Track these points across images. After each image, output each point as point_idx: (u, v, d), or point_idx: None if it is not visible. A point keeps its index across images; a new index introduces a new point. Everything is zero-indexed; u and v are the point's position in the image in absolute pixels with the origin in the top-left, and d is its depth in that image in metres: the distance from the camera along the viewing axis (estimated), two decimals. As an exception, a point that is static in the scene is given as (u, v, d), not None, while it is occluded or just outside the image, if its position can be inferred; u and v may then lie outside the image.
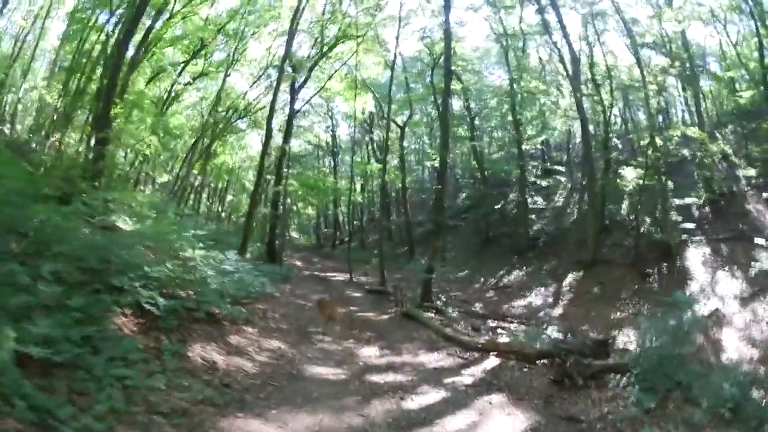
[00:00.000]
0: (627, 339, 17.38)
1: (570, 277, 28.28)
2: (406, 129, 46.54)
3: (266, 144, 31.61)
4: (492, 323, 21.89)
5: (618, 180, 29.19)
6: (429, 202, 49.83)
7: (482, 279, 33.42)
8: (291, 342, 14.48)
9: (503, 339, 17.98)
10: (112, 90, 21.20)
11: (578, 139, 44.54)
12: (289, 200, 61.87)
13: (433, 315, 21.38)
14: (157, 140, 32.01)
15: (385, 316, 21.57)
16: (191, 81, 38.57)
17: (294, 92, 37.69)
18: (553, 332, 17.40)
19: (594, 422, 9.71)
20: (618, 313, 22.11)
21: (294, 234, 62.73)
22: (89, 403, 6.80)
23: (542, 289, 28.28)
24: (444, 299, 25.22)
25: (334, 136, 56.35)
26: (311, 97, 40.04)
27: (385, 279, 29.32)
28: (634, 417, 9.58)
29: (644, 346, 12.55)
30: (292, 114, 38.05)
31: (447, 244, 39.22)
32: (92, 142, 23.09)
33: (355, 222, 56.51)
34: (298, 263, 41.03)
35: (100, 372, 7.62)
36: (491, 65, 48.61)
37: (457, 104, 43.74)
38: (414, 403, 10.38)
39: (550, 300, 26.56)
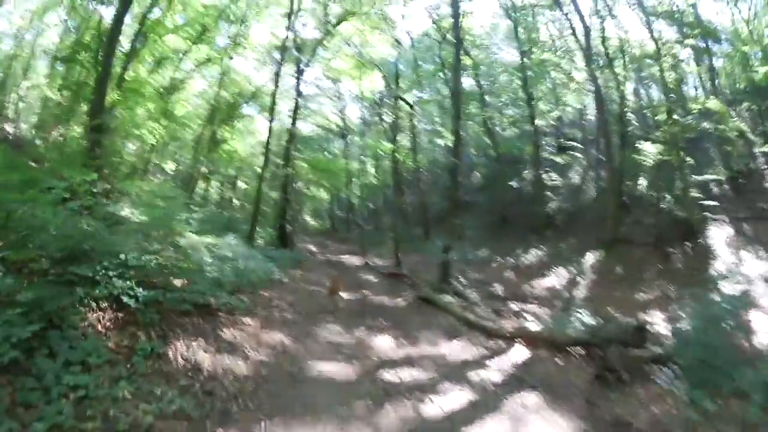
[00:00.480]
0: (656, 323, 16.27)
1: (590, 257, 26.67)
2: (417, 108, 44.65)
3: (271, 126, 29.76)
4: (514, 305, 20.34)
5: (635, 155, 27.30)
6: (442, 182, 47.97)
7: (499, 259, 31.52)
8: (295, 334, 12.73)
9: (529, 324, 16.57)
10: (105, 78, 20.02)
11: (592, 116, 42.16)
12: (301, 184, 61.16)
13: (451, 298, 19.65)
14: (162, 128, 30.81)
15: (401, 301, 19.87)
16: (195, 68, 36.84)
17: (300, 73, 35.83)
18: (583, 317, 15.59)
19: (646, 427, 8.12)
20: (643, 295, 21.01)
21: (308, 218, 61.12)
22: (32, 417, 5.78)
23: (563, 269, 26.83)
24: (463, 281, 23.39)
25: (343, 119, 53.97)
26: (317, 78, 38.07)
27: (400, 261, 27.76)
28: (690, 419, 8.14)
29: (683, 333, 11.40)
30: (299, 95, 36.27)
31: (462, 223, 37.50)
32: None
33: (369, 205, 55.01)
34: (312, 247, 39.20)
35: (51, 379, 6.56)
36: (501, 41, 46.10)
37: (467, 82, 41.60)
38: (435, 406, 8.73)
39: (572, 281, 24.99)
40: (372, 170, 53.04)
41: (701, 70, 35.53)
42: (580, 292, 23.03)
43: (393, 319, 16.17)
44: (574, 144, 38.60)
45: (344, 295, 18.68)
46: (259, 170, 36.62)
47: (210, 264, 13.32)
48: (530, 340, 13.34)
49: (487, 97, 42.51)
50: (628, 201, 29.41)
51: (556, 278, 25.96)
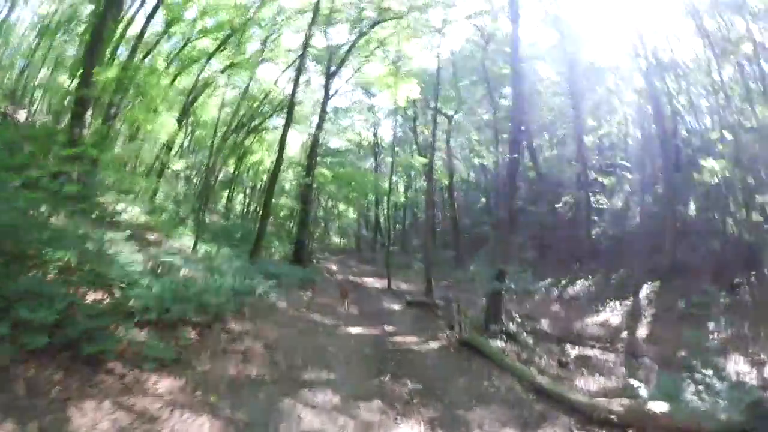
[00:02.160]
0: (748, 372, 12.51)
1: (646, 289, 21.13)
2: (455, 122, 37.72)
3: (285, 131, 24.12)
4: (572, 348, 14.81)
5: (695, 173, 22.50)
6: (477, 204, 41.72)
7: (543, 289, 25.34)
8: (244, 420, 6.28)
9: (634, 388, 9.88)
10: (95, 47, 16.40)
11: (633, 137, 35.90)
12: (330, 203, 55.29)
13: (502, 344, 13.47)
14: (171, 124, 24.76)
15: (434, 345, 13.34)
16: (221, 71, 31.32)
17: (329, 78, 30.08)
18: (707, 377, 9.98)
19: None
20: (716, 335, 16.16)
21: (335, 237, 55.23)
22: None
23: (617, 303, 20.90)
24: (517, 319, 16.67)
25: (375, 135, 48.63)
26: (349, 90, 31.83)
27: (431, 289, 20.98)
28: None
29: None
30: (326, 100, 30.41)
31: (497, 249, 31.05)
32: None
33: (397, 225, 48.31)
34: (332, 266, 33.09)
35: None
36: (545, 52, 39.17)
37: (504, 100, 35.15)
38: None
39: (630, 317, 19.47)
40: (402, 189, 46.44)
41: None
42: (641, 331, 17.79)
43: (424, 380, 9.69)
44: (624, 163, 31.55)
45: (357, 330, 13.60)
46: (287, 185, 31.33)
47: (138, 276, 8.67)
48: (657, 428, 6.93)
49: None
50: (681, 225, 23.86)
51: (609, 313, 20.26)
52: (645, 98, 28.21)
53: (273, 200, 41.37)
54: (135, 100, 23.20)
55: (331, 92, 30.37)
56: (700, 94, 29.13)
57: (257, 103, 35.83)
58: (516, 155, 16.66)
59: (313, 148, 28.86)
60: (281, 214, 38.14)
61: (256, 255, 20.30)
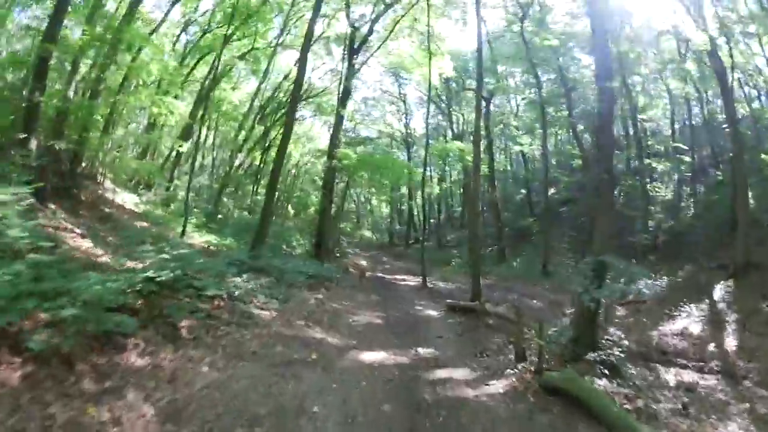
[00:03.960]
0: None
1: (719, 289, 16.16)
2: (491, 105, 31.60)
3: (293, 106, 18.05)
4: (665, 372, 9.77)
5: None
6: (516, 196, 35.32)
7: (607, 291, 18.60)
8: None
9: None
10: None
11: (680, 122, 30.15)
12: (363, 197, 49.76)
13: (605, 381, 7.88)
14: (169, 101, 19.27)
15: (499, 387, 7.46)
16: (238, 57, 27.23)
17: (352, 52, 24.75)
18: None
19: None
20: None
21: (367, 232, 49.52)
22: None
23: (692, 306, 15.29)
24: (621, 340, 10.59)
25: (407, 126, 43.15)
26: (374, 51, 25.81)
27: (480, 291, 14.77)
28: None
29: None
30: (351, 75, 24.86)
31: (535, 244, 26.58)
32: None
33: (431, 219, 42.16)
34: (362, 262, 27.17)
35: None
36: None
37: (546, 78, 29.51)
38: None
39: (713, 323, 14.16)
40: (436, 181, 40.50)
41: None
42: (730, 343, 12.61)
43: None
44: (679, 145, 25.04)
45: (375, 357, 8.18)
46: (318, 180, 25.99)
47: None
48: None
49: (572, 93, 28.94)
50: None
51: (686, 320, 14.64)
52: (704, 71, 22.34)
53: (300, 193, 36.68)
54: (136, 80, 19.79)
55: (356, 68, 24.69)
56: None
57: (281, 93, 31.50)
58: (606, 106, 10.39)
59: (336, 129, 23.35)
60: (312, 210, 33.05)
61: (258, 246, 14.78)
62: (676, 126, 29.52)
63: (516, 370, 7.93)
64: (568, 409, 6.44)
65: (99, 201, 16.08)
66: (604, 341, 9.34)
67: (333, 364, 7.24)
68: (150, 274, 7.48)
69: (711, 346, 12.29)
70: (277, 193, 35.57)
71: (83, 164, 17.18)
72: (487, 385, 7.34)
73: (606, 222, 9.80)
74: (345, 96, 24.08)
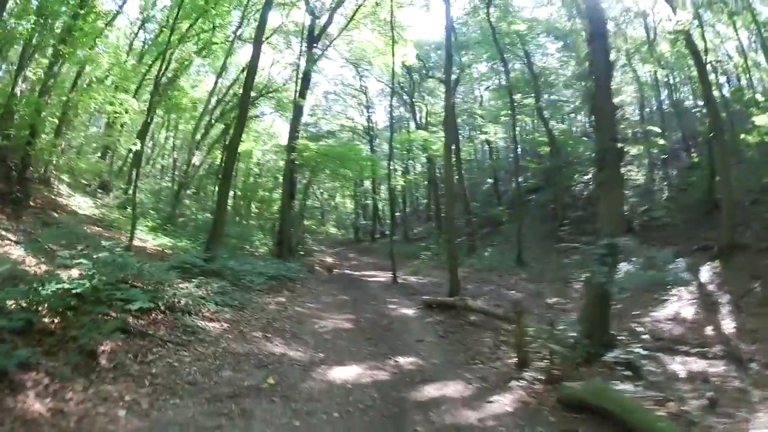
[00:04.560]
0: None
1: (706, 271, 14.86)
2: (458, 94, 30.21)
3: (246, 93, 15.77)
4: (670, 360, 8.62)
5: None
6: (482, 186, 33.88)
7: (583, 277, 17.47)
8: None
9: None
10: None
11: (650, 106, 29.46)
12: (326, 194, 47.87)
13: (627, 386, 6.16)
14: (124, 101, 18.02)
15: (505, 403, 5.85)
16: (195, 52, 25.14)
17: (312, 40, 22.93)
18: None
19: None
20: None
21: (332, 229, 47.69)
22: None
23: (681, 289, 13.82)
24: (641, 333, 9.62)
25: (369, 119, 41.58)
26: (333, 40, 24.15)
27: (458, 285, 13.16)
28: None
29: None
30: (311, 64, 23.00)
31: (506, 233, 25.14)
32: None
33: (396, 213, 40.61)
34: (328, 259, 25.40)
35: None
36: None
37: (511, 67, 27.63)
38: None
39: (705, 306, 12.87)
40: (400, 173, 38.93)
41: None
42: (727, 325, 11.37)
43: None
44: (654, 129, 24.34)
45: (347, 374, 6.55)
46: (281, 177, 24.15)
47: None
48: None
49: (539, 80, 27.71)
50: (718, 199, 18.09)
51: (677, 303, 13.21)
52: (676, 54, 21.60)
53: (263, 193, 34.65)
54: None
55: (315, 56, 22.95)
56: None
57: (241, 89, 28.63)
58: (606, 51, 8.85)
59: (295, 121, 21.45)
60: (274, 208, 31.15)
61: (213, 246, 13.01)
62: (645, 110, 28.78)
63: (522, 382, 6.38)
64: (600, 430, 4.95)
65: (49, 206, 14.34)
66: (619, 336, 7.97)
67: (295, 390, 5.58)
68: (66, 285, 5.82)
69: (708, 330, 11.32)
70: (239, 192, 34.27)
71: (34, 168, 15.52)
72: (490, 402, 5.78)
73: (615, 199, 8.34)
74: (304, 85, 22.29)
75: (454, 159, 26.42)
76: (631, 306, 13.41)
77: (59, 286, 5.76)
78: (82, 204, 17.11)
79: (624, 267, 17.98)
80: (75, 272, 7.27)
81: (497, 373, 6.94)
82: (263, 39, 16.78)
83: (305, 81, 22.36)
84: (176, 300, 7.82)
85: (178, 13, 19.00)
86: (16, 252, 8.82)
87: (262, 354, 6.83)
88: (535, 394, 5.94)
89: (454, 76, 27.80)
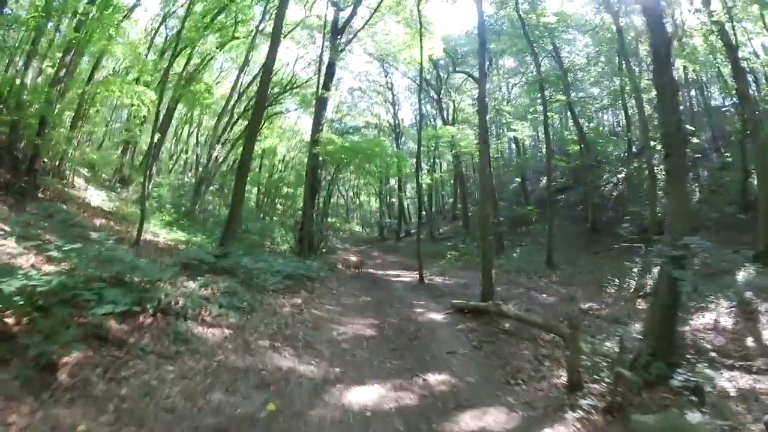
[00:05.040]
0: None
1: (743, 276, 12.91)
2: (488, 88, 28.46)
3: (267, 67, 14.37)
4: (724, 380, 6.84)
5: None
6: (510, 186, 32.26)
7: (617, 281, 16.17)
8: None
9: None
10: None
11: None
12: (351, 192, 46.71)
13: (696, 416, 4.74)
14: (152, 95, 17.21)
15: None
16: (216, 47, 24.48)
17: (336, 32, 22.03)
18: None
19: None
20: None
21: (356, 227, 46.48)
22: None
23: (718, 295, 12.00)
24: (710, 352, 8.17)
25: (395, 116, 40.31)
26: (357, 31, 22.99)
27: (492, 289, 11.65)
28: None
29: None
30: (335, 55, 21.90)
31: (534, 234, 23.87)
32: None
33: (422, 211, 39.21)
34: (352, 258, 23.95)
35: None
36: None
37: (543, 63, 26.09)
38: None
39: (751, 316, 11.11)
40: (426, 171, 37.57)
41: None
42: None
43: None
44: (687, 127, 22.12)
45: (367, 397, 5.23)
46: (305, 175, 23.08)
47: None
48: None
49: (569, 76, 26.00)
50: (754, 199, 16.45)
51: (716, 311, 11.67)
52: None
53: (288, 190, 33.47)
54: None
55: (340, 48, 21.78)
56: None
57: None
58: (661, 23, 7.46)
59: (318, 114, 20.36)
60: (298, 205, 30.11)
61: (228, 241, 11.89)
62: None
63: (578, 412, 5.04)
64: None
65: (59, 198, 13.67)
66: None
67: (301, 420, 4.33)
68: (35, 281, 4.68)
69: (749, 341, 9.89)
70: (262, 188, 33.28)
71: (49, 160, 15.16)
72: (544, 435, 4.47)
73: (683, 191, 6.92)
74: (328, 78, 21.17)
75: (478, 158, 25.16)
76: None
77: (24, 282, 4.59)
78: (96, 197, 16.53)
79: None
80: (51, 267, 6.17)
81: (545, 396, 5.62)
82: (281, 33, 15.59)
83: (329, 73, 21.32)
84: (171, 301, 6.63)
85: (189, 7, 18.08)
86: (8, 243, 7.75)
87: (266, 369, 5.61)
88: (594, 427, 4.64)
89: (477, 83, 26.53)
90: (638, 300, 13.80)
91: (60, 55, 14.86)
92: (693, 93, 26.26)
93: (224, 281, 9.02)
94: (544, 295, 14.35)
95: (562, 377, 6.18)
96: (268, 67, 14.17)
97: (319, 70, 19.42)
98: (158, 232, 15.38)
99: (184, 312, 6.61)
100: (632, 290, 15.02)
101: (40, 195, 12.91)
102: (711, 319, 11.11)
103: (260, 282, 10.10)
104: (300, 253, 17.14)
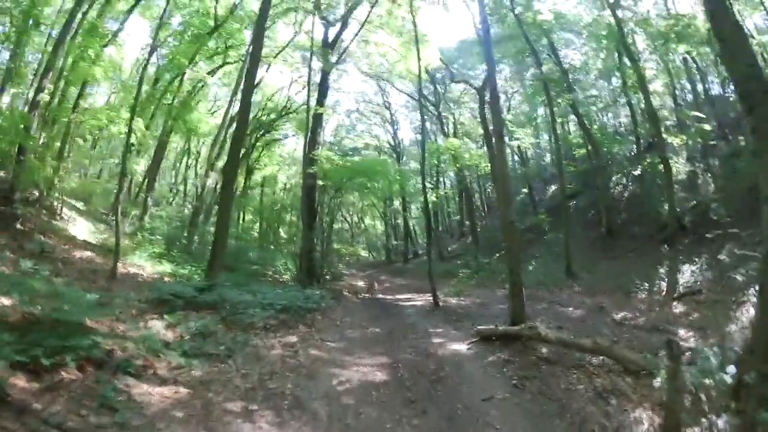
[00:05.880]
0: None
1: None
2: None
3: (249, 79, 12.84)
4: None
5: None
6: (518, 197, 30.37)
7: (643, 284, 14.44)
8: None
9: None
10: None
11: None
12: (355, 218, 44.98)
13: None
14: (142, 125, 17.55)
15: None
16: (208, 73, 23.92)
17: (327, 45, 20.46)
18: None
19: None
20: None
21: (363, 252, 44.48)
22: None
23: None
24: None
25: (395, 136, 38.60)
26: (351, 41, 21.50)
27: (523, 310, 9.42)
28: None
29: None
30: (327, 67, 20.33)
31: (549, 244, 22.19)
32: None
33: (431, 229, 37.46)
34: (360, 283, 22.33)
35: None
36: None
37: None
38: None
39: None
40: (430, 188, 35.97)
41: None
42: None
43: None
44: (698, 114, 19.87)
45: None
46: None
47: None
48: None
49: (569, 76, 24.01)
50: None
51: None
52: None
53: (292, 217, 31.68)
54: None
55: (332, 61, 20.19)
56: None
57: (261, 112, 27.32)
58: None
59: (314, 131, 18.63)
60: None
61: (214, 272, 10.11)
62: (680, 102, 25.05)
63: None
64: None
65: (39, 230, 12.50)
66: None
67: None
68: None
69: None
70: (265, 218, 31.61)
71: (31, 190, 14.20)
72: None
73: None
74: (322, 94, 19.62)
75: (488, 167, 23.50)
76: (712, 313, 10.37)
77: None
78: (84, 229, 15.49)
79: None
80: None
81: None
82: (260, 53, 14.05)
83: (322, 89, 19.83)
84: (112, 349, 4.75)
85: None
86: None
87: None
88: None
89: (476, 90, 24.98)
90: (674, 303, 12.15)
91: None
92: (696, 82, 24.52)
93: (200, 319, 7.17)
94: (570, 308, 12.61)
95: (644, 421, 4.31)
96: (248, 86, 12.55)
97: (308, 81, 17.63)
98: (143, 264, 13.74)
99: (127, 364, 4.72)
100: (664, 293, 13.22)
101: (18, 226, 11.93)
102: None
103: (247, 318, 8.16)
104: (302, 282, 15.18)
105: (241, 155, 25.58)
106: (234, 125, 25.10)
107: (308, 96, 17.35)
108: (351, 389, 5.70)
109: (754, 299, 9.08)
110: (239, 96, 24.57)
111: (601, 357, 6.59)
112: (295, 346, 7.51)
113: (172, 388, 4.79)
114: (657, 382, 4.93)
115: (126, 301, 7.72)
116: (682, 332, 9.13)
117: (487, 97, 23.81)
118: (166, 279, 12.16)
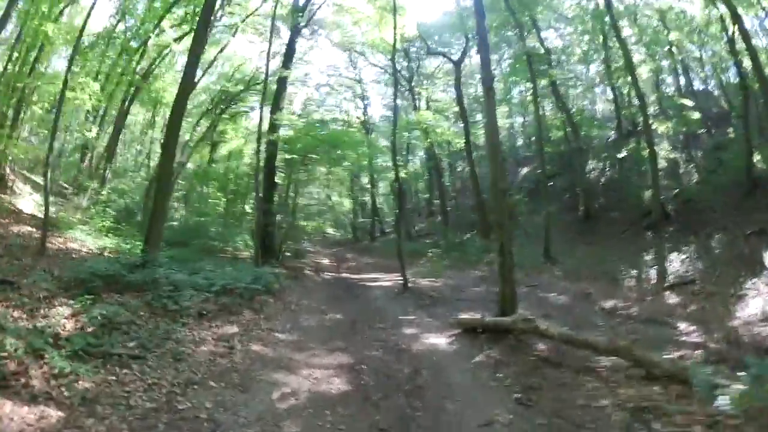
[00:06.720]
0: None
1: None
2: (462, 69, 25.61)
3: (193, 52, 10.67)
4: None
5: None
6: (488, 178, 29.24)
7: (632, 272, 13.69)
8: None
9: None
10: None
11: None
12: (322, 195, 43.69)
13: None
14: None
15: None
16: (174, 40, 20.83)
17: (298, 10, 18.41)
18: None
19: None
20: None
21: (329, 229, 43.33)
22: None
23: (756, 281, 9.52)
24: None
25: (365, 112, 36.63)
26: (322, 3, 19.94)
27: (515, 298, 7.75)
28: None
29: None
30: (295, 33, 18.69)
31: (524, 226, 20.93)
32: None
33: (396, 210, 36.34)
34: (324, 261, 21.59)
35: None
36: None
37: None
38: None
39: None
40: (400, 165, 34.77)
41: None
42: None
43: None
44: (686, 102, 19.41)
45: None
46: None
47: None
48: None
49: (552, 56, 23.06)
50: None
51: (759, 299, 8.91)
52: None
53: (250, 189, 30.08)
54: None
55: (300, 25, 18.54)
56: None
57: (229, 83, 24.34)
58: None
59: (278, 94, 17.15)
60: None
61: (152, 248, 8.43)
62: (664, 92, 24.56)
63: None
64: None
65: None
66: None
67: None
68: None
69: None
70: (230, 194, 29.92)
71: None
72: None
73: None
74: (288, 57, 17.96)
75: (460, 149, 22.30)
76: (710, 305, 9.67)
77: None
78: (31, 205, 14.03)
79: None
80: None
81: None
82: (211, 16, 12.09)
83: (289, 51, 18.16)
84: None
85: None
86: None
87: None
88: None
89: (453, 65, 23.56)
90: (666, 293, 11.44)
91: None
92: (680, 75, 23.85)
93: (111, 305, 5.48)
94: (553, 294, 11.61)
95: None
96: (194, 52, 10.75)
97: (270, 37, 15.64)
98: (85, 239, 12.02)
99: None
100: (654, 282, 12.39)
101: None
102: (757, 308, 8.69)
103: (180, 302, 6.53)
104: (256, 259, 13.52)
105: (207, 128, 24.35)
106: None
107: (268, 55, 15.36)
108: (297, 407, 4.08)
109: (754, 293, 9.25)
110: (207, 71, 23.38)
111: (612, 357, 5.23)
112: (232, 340, 5.89)
113: (33, 410, 3.17)
114: (722, 401, 3.47)
115: (39, 281, 6.05)
116: (682, 326, 8.37)
117: (464, 71, 22.60)
118: (107, 254, 10.57)
